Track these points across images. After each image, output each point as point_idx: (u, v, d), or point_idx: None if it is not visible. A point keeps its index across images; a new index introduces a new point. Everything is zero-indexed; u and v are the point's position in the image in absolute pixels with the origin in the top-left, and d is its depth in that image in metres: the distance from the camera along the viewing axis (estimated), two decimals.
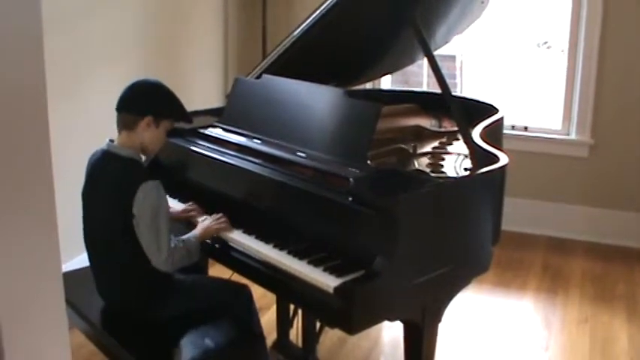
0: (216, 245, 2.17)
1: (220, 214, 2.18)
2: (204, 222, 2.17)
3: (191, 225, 2.22)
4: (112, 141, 2.12)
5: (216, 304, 2.18)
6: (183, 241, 2.07)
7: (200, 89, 4.15)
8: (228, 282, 2.31)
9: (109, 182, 2.06)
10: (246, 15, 4.56)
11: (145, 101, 2.10)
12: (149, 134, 2.08)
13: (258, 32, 4.41)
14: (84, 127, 3.10)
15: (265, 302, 3.13)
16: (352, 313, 1.73)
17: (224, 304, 2.18)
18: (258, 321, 2.24)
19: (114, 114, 2.12)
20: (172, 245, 2.01)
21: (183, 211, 2.30)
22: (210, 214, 2.23)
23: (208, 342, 2.01)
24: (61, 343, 1.08)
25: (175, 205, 2.36)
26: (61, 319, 1.08)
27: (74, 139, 2.99)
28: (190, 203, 2.33)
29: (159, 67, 3.61)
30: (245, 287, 2.23)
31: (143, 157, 2.18)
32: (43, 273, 1.05)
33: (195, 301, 2.16)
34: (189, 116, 2.18)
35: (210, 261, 2.57)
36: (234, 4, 4.46)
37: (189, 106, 2.26)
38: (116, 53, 3.36)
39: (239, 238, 2.10)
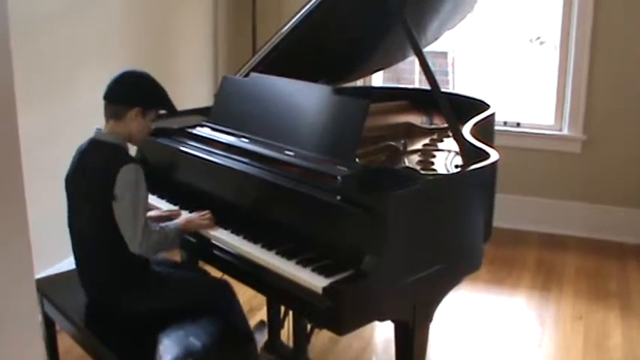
0: (193, 240, 2.14)
1: (206, 211, 2.16)
2: (190, 215, 2.17)
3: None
4: (99, 129, 2.13)
5: (197, 300, 2.16)
6: (162, 227, 2.07)
7: (190, 88, 4.11)
8: (206, 277, 2.31)
9: (94, 167, 2.07)
10: (235, 13, 4.53)
11: (133, 93, 2.13)
12: (136, 124, 2.11)
13: (247, 31, 4.38)
14: (72, 127, 3.05)
15: (256, 303, 3.10)
16: (341, 313, 1.71)
17: (206, 300, 2.16)
18: (243, 316, 2.21)
19: (102, 114, 2.13)
20: (149, 229, 2.01)
21: (168, 211, 2.28)
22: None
23: (193, 341, 1.98)
24: (34, 350, 1.05)
25: (163, 205, 2.34)
26: (34, 324, 1.05)
27: (62, 139, 2.95)
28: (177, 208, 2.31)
29: (148, 67, 3.53)
30: (224, 282, 2.21)
31: (131, 147, 2.19)
32: (15, 278, 1.01)
33: (173, 296, 2.14)
34: (173, 106, 2.20)
35: (200, 262, 2.54)
36: (224, 3, 4.43)
37: (179, 105, 2.27)
38: (104, 52, 3.33)
39: (227, 238, 2.07)
